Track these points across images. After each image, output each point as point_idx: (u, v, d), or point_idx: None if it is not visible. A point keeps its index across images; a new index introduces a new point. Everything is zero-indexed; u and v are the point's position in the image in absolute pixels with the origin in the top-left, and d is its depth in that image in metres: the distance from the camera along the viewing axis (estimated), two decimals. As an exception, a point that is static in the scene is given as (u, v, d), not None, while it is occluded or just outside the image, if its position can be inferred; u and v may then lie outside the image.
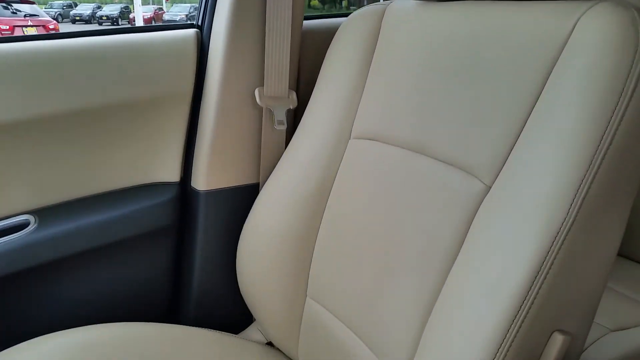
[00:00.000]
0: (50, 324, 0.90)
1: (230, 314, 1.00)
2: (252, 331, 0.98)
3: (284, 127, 0.94)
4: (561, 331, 0.54)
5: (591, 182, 0.51)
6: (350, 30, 0.83)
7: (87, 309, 0.93)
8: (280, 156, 0.90)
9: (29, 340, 0.80)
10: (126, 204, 0.91)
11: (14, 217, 0.85)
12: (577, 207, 0.51)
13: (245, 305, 0.91)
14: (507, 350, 0.51)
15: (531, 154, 0.55)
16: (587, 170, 0.51)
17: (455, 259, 0.60)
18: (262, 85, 0.92)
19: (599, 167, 0.51)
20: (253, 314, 0.91)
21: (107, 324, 0.84)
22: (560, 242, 0.51)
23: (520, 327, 0.51)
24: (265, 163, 0.94)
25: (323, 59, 0.89)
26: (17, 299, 0.86)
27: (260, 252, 0.85)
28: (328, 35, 0.96)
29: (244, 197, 0.96)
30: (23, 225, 0.85)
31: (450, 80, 0.66)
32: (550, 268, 0.51)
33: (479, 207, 0.59)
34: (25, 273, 0.85)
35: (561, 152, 0.52)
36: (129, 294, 0.96)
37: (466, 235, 0.60)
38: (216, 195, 0.94)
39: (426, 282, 0.62)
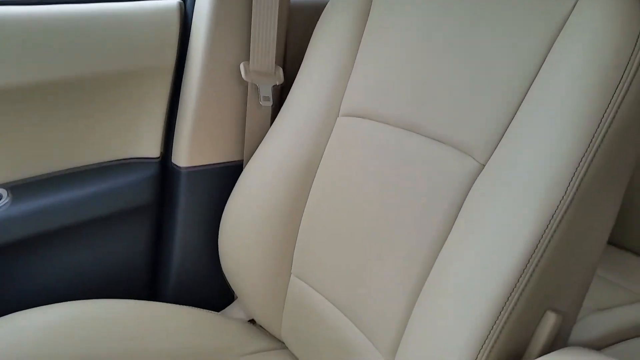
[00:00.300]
0: (26, 302, 0.87)
1: (212, 293, 0.99)
2: (234, 309, 0.97)
3: (269, 104, 0.91)
4: (554, 310, 0.54)
5: (590, 161, 0.51)
6: (340, 5, 0.81)
7: (64, 287, 0.90)
8: (266, 134, 0.88)
9: (3, 317, 0.77)
10: (104, 180, 0.88)
11: None
12: (575, 186, 0.51)
13: (227, 283, 0.90)
14: (502, 329, 0.51)
15: (528, 132, 0.54)
16: (586, 149, 0.50)
17: (447, 237, 0.59)
18: (248, 59, 0.89)
19: (599, 146, 0.51)
20: (235, 292, 0.89)
21: (85, 300, 0.82)
22: (557, 221, 0.51)
23: (515, 306, 0.51)
24: (250, 140, 0.92)
25: (311, 33, 0.86)
26: None
27: (243, 230, 0.83)
28: (317, 10, 0.93)
29: (227, 175, 0.93)
30: None
31: (445, 56, 0.65)
32: (546, 247, 0.51)
33: (472, 186, 0.58)
34: None
35: (560, 129, 0.52)
36: (107, 272, 0.93)
37: (458, 214, 0.59)
38: (198, 172, 0.91)
39: (416, 260, 0.62)
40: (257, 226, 0.82)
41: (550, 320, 0.54)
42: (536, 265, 0.51)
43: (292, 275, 0.82)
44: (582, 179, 0.51)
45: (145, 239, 0.96)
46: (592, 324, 0.80)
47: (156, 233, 0.97)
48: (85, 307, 0.80)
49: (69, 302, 0.80)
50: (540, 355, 0.53)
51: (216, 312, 0.90)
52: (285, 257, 0.81)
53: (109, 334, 0.78)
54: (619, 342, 0.80)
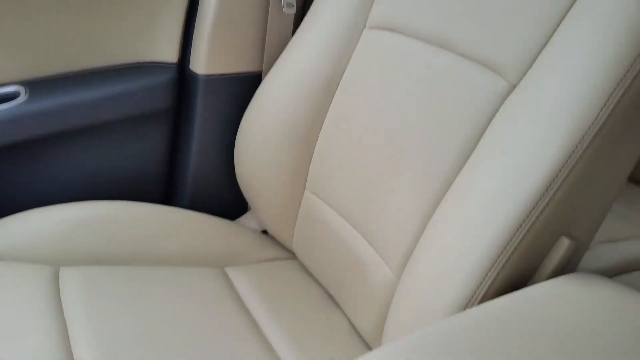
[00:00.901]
0: (41, 200, 0.89)
1: (226, 202, 1.00)
2: (247, 219, 0.98)
3: (292, 11, 0.88)
4: (569, 235, 0.54)
5: (628, 87, 0.49)
6: None
7: (80, 188, 0.92)
8: (287, 43, 0.86)
9: (19, 213, 0.79)
10: (121, 82, 0.87)
11: (3, 87, 0.80)
12: (607, 112, 0.49)
13: (242, 193, 0.91)
14: (515, 249, 0.51)
15: (564, 55, 0.52)
16: (625, 74, 0.49)
17: (469, 157, 0.59)
18: None
19: (635, 77, 0.49)
20: (249, 203, 0.91)
21: (100, 201, 0.83)
22: (584, 147, 0.50)
23: (531, 227, 0.51)
24: (270, 49, 0.90)
25: None
26: (7, 172, 0.84)
27: (260, 142, 0.83)
28: None
29: (245, 85, 0.92)
30: (13, 96, 0.81)
31: None
32: (570, 172, 0.50)
33: (500, 106, 0.57)
34: (16, 146, 0.82)
35: (600, 53, 0.50)
36: (123, 175, 0.94)
37: (483, 134, 0.58)
38: (216, 80, 0.90)
39: (434, 178, 0.61)
40: (273, 139, 0.81)
41: (563, 245, 0.54)
42: (558, 188, 0.51)
43: (306, 190, 0.82)
44: (616, 104, 0.49)
45: (162, 144, 0.96)
46: (599, 255, 0.80)
47: (173, 139, 0.97)
48: (100, 207, 0.81)
49: (84, 202, 0.82)
50: (549, 278, 0.54)
51: (229, 220, 0.92)
52: (300, 171, 0.81)
53: (123, 235, 0.80)
54: (626, 273, 0.81)
